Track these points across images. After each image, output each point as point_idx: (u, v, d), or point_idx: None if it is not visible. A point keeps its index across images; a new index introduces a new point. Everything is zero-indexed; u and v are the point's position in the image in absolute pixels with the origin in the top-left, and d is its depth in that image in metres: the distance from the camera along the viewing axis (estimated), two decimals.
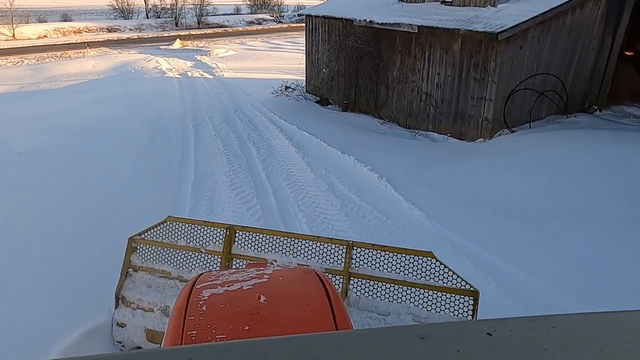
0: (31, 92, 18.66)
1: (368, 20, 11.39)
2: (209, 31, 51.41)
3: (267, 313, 1.96)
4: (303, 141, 10.12)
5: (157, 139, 10.40)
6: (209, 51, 30.08)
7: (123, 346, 3.70)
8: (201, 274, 2.40)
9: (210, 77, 20.77)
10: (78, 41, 38.57)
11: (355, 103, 13.01)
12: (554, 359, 0.61)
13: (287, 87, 15.26)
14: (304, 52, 14.78)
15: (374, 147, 9.48)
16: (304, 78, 15.42)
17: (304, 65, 15.15)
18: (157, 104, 14.10)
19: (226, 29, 54.50)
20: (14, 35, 46.88)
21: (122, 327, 3.79)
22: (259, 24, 60.53)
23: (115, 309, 3.86)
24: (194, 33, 47.20)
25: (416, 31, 10.00)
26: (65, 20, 54.36)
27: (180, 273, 3.82)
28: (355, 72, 12.60)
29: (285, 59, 27.75)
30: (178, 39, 36.11)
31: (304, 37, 14.57)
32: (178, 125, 11.75)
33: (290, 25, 59.09)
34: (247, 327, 1.87)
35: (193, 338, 1.82)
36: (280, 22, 62.77)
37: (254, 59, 27.88)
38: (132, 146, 9.77)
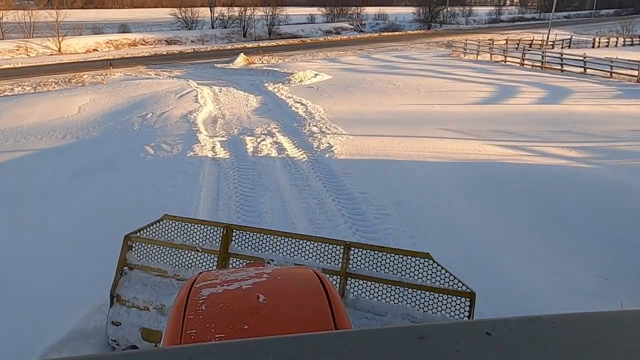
0: None
1: None
2: (282, 42, 39.46)
3: (266, 312, 1.86)
4: None
5: None
6: (288, 74, 17.34)
7: (118, 344, 3.43)
8: (200, 273, 2.22)
9: (301, 154, 7.72)
10: (118, 56, 27.83)
11: None
12: (554, 358, 0.58)
13: None
14: None
15: None
16: None
17: None
18: None
19: (302, 39, 42.76)
20: (59, 49, 37.72)
21: (117, 325, 3.51)
22: (338, 33, 49.69)
23: (110, 307, 3.52)
24: (263, 45, 35.50)
25: None
26: (123, 32, 45.36)
27: (177, 272, 3.52)
28: None
29: (435, 92, 14.29)
30: (242, 54, 23.84)
31: None
32: None
33: (381, 34, 46.20)
34: (246, 327, 1.77)
35: (192, 337, 1.73)
36: (361, 31, 51.59)
37: (369, 89, 14.70)
38: None
